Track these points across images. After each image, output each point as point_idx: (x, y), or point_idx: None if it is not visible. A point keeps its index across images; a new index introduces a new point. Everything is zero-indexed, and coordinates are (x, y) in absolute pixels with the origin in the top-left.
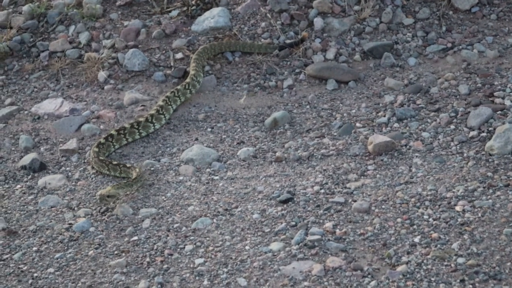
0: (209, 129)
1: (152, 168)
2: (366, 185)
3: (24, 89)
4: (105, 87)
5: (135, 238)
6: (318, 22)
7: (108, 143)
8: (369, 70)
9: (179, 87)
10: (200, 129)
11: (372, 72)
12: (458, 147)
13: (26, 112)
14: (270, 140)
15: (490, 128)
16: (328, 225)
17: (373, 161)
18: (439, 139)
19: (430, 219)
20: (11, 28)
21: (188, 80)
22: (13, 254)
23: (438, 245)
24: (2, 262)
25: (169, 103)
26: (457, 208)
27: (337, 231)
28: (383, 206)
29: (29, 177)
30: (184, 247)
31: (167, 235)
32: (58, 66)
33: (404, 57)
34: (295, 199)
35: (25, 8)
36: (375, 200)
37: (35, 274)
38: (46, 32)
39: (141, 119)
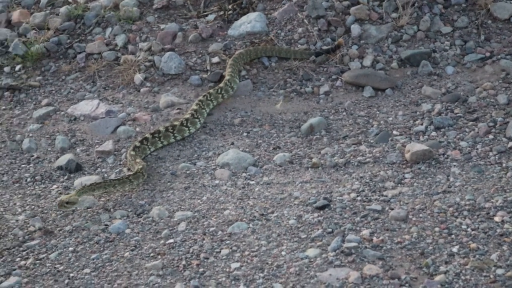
0: (245, 134)
1: (188, 172)
2: (403, 193)
3: (61, 90)
4: (141, 90)
5: (171, 240)
6: (355, 28)
7: (144, 146)
8: (406, 78)
9: (211, 91)
10: (236, 134)
11: (409, 80)
12: (496, 157)
13: (62, 113)
14: (306, 146)
15: None
16: (365, 232)
17: (410, 169)
18: (477, 149)
19: (469, 229)
20: (48, 29)
21: (221, 84)
22: (50, 254)
23: (477, 256)
24: (38, 261)
25: (203, 106)
26: (496, 218)
27: (374, 238)
28: (420, 215)
29: (65, 177)
30: (220, 251)
31: (203, 239)
32: (94, 68)
33: (442, 65)
34: (331, 205)
35: (62, 9)
36: (412, 208)
37: (71, 274)
38: (83, 34)
39: (176, 123)
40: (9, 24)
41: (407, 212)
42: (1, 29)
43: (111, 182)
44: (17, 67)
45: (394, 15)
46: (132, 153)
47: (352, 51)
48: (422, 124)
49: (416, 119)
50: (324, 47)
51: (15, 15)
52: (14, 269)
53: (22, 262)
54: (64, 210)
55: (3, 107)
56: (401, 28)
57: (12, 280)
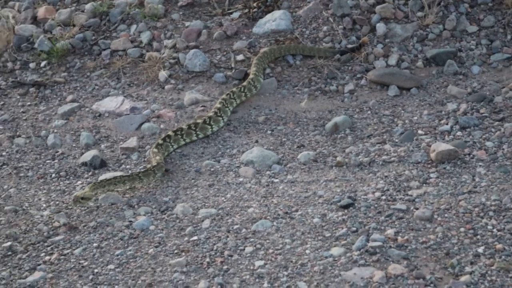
0: (269, 132)
1: (212, 169)
2: (428, 193)
3: (86, 86)
4: (166, 87)
5: (195, 238)
6: (381, 27)
7: (166, 143)
8: (431, 77)
9: (234, 89)
10: (260, 132)
11: (434, 79)
12: None
13: (87, 109)
14: (331, 145)
15: None
16: (390, 232)
17: (436, 169)
18: (503, 149)
19: (494, 230)
20: (73, 25)
21: (245, 83)
22: (74, 250)
23: (503, 257)
24: (63, 257)
25: (226, 105)
26: None
27: (399, 238)
28: (445, 215)
29: (90, 173)
30: (244, 249)
31: (227, 236)
32: (119, 65)
33: (467, 65)
34: (356, 204)
35: (87, 6)
36: (437, 208)
37: (96, 270)
38: (108, 31)
39: (198, 120)
40: (34, 20)
41: (432, 212)
42: (27, 25)
43: (121, 178)
44: (43, 63)
45: (419, 14)
46: (155, 150)
47: (377, 49)
48: (447, 124)
49: (441, 118)
50: (349, 46)
51: (41, 11)
52: (39, 264)
53: (47, 257)
54: (79, 205)
55: (29, 103)
56: (426, 27)
57: (37, 275)
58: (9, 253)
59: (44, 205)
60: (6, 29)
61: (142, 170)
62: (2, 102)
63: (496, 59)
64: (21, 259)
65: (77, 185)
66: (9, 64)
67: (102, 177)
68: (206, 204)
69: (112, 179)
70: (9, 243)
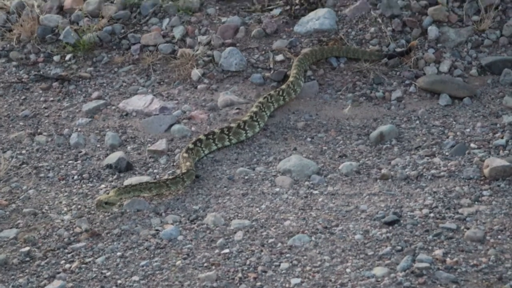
0: (308, 139)
1: (246, 177)
2: (481, 212)
3: (113, 83)
4: (199, 86)
5: (226, 250)
6: (433, 31)
7: (197, 148)
8: (486, 86)
9: (272, 92)
10: (299, 138)
11: (489, 89)
12: None
13: (113, 107)
14: (375, 156)
15: None
16: (438, 252)
17: (489, 186)
18: None
19: None
20: (102, 17)
21: (283, 86)
22: (96, 258)
23: None
24: (84, 265)
25: (263, 109)
26: None
27: (448, 259)
28: (499, 236)
29: (115, 177)
30: (279, 265)
31: (261, 250)
32: (149, 61)
33: None
34: (401, 221)
35: None
36: (490, 229)
37: (119, 281)
38: (139, 24)
39: (232, 124)
40: (61, 10)
41: (484, 233)
42: (52, 15)
43: (147, 185)
44: (68, 57)
45: (475, 18)
46: (185, 155)
47: (428, 55)
48: (502, 138)
49: (496, 131)
50: (398, 49)
51: (68, 1)
52: (59, 272)
53: (67, 265)
54: (102, 211)
55: (51, 99)
56: (482, 32)
57: (56, 284)
58: (27, 259)
59: (65, 209)
60: (30, 19)
61: (170, 177)
62: (23, 97)
63: None
64: (39, 266)
65: (101, 189)
66: (32, 56)
67: (128, 181)
68: (239, 215)
69: (137, 185)
70: (27, 248)
